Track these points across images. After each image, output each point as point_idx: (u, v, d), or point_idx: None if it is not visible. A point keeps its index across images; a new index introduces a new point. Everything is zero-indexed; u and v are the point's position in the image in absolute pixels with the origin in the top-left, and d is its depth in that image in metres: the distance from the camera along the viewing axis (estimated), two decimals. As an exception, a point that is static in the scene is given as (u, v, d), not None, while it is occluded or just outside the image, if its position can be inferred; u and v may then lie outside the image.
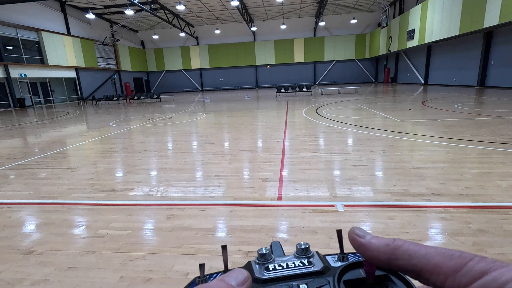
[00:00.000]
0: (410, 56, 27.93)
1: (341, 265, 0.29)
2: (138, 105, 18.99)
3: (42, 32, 23.42)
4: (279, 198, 3.17)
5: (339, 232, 0.32)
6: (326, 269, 0.28)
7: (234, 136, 6.84)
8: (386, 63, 33.88)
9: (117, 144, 6.63)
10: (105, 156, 5.53)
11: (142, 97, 23.19)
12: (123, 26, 33.72)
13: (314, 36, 36.65)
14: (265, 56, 37.65)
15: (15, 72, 21.29)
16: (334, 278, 0.26)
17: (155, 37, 36.57)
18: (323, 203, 3.00)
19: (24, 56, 22.32)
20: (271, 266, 0.29)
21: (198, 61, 38.79)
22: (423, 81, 25.68)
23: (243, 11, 27.92)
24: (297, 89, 21.05)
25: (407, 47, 24.80)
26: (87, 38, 28.61)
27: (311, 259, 0.30)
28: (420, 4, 22.22)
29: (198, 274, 0.30)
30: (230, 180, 3.82)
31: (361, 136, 6.00)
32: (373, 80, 37.50)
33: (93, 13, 26.75)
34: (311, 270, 0.28)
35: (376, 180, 3.60)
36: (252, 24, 34.19)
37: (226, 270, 0.30)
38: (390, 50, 28.71)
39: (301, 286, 0.25)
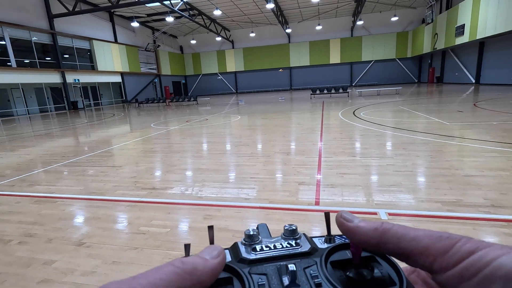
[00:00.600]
0: (458, 54, 25.76)
1: (328, 247, 0.29)
2: (176, 108, 19.83)
3: (94, 41, 25.57)
4: (317, 203, 3.06)
5: (326, 215, 0.31)
6: (314, 250, 0.29)
7: (268, 138, 6.81)
8: (430, 62, 31.62)
9: (157, 144, 6.96)
10: (147, 155, 5.81)
11: (180, 100, 24.19)
12: (164, 32, 35.55)
13: (351, 35, 35.45)
14: (299, 58, 37.26)
15: (70, 77, 23.47)
16: (321, 258, 0.27)
17: (193, 42, 38.02)
18: (364, 210, 2.83)
19: (77, 63, 24.53)
20: (258, 247, 0.29)
21: (233, 64, 39.56)
22: (474, 81, 23.52)
23: (278, 13, 27.93)
24: (333, 91, 20.48)
25: (456, 44, 22.92)
26: (132, 45, 30.62)
27: (298, 241, 0.30)
28: (472, -3, 20.40)
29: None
30: (265, 182, 3.79)
31: (404, 140, 5.62)
32: (416, 80, 35.23)
33: (137, 21, 28.58)
34: (298, 251, 0.29)
35: (423, 187, 3.33)
36: (287, 26, 34.04)
37: None
38: (436, 48, 26.76)
39: (289, 266, 0.25)
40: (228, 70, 39.97)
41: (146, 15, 28.91)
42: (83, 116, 17.23)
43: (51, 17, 21.48)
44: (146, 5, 24.07)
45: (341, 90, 20.26)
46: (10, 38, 19.34)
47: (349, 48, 35.65)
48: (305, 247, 0.29)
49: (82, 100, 25.62)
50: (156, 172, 4.65)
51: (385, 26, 34.16)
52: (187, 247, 0.29)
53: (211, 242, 0.29)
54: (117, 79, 28.93)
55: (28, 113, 21.67)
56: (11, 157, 6.47)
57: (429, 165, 4.08)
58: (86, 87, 26.29)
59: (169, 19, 24.75)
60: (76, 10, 20.21)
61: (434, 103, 11.95)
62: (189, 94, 41.19)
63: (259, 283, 0.25)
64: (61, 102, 23.75)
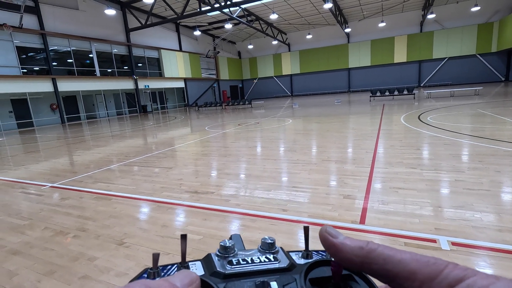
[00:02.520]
0: None
1: (307, 263, 0.28)
2: (232, 111, 20.51)
3: (162, 50, 28.16)
4: (362, 222, 2.72)
5: (306, 229, 0.30)
6: (292, 266, 0.28)
7: (318, 144, 6.47)
8: (523, 57, 26.65)
9: (208, 147, 7.20)
10: (196, 158, 6.04)
11: (236, 103, 24.97)
12: (223, 39, 37.28)
13: (420, 31, 32.05)
14: (359, 58, 35.17)
15: (141, 84, 26.24)
16: (301, 275, 0.26)
17: (250, 46, 39.01)
18: (421, 236, 2.40)
19: (148, 71, 27.30)
20: (234, 260, 0.28)
21: (288, 67, 39.36)
22: None
23: (337, 13, 26.83)
24: (396, 92, 18.74)
25: (560, 33, 18.84)
26: (194, 52, 32.84)
27: (276, 255, 0.29)
28: None
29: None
30: (307, 193, 3.54)
31: (482, 150, 4.73)
32: (503, 79, 30.08)
33: (199, 30, 30.56)
34: (277, 266, 0.27)
35: (504, 212, 2.70)
36: (346, 25, 32.48)
37: (184, 261, 0.28)
38: (531, 40, 22.42)
39: (271, 283, 0.24)
40: (283, 73, 39.91)
41: (207, 24, 30.70)
42: (151, 118, 19.01)
43: (128, 31, 24.34)
44: (208, 14, 25.57)
45: (406, 92, 18.42)
46: (96, 52, 22.50)
47: (417, 45, 32.29)
48: (284, 262, 0.28)
49: (151, 104, 28.39)
50: (201, 175, 4.76)
51: (462, 18, 30.04)
52: (155, 257, 0.27)
53: (183, 255, 0.27)
54: (181, 84, 31.30)
55: (108, 116, 24.86)
56: (86, 155, 7.40)
57: (513, 183, 3.32)
58: (154, 92, 29.06)
59: (228, 26, 25.81)
60: (148, 23, 22.51)
61: (527, 106, 9.97)
62: (245, 98, 42.35)
63: None
64: (134, 106, 26.67)
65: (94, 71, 22.45)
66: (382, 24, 30.97)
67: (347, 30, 32.17)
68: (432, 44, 31.70)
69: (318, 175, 4.26)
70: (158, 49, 27.98)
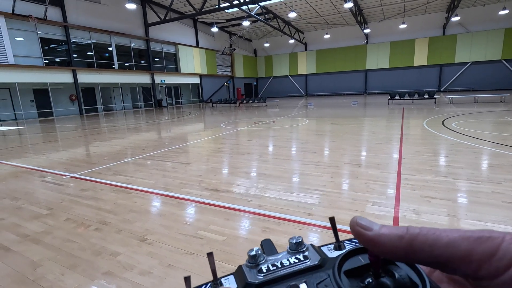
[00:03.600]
0: None
1: (338, 255, 0.27)
2: (246, 109, 20.43)
3: (179, 46, 28.35)
4: (395, 231, 2.56)
5: (332, 220, 0.29)
6: (324, 262, 0.27)
7: (337, 146, 6.29)
8: (553, 64, 25.43)
9: (225, 144, 7.14)
10: (214, 155, 5.98)
11: (250, 101, 24.89)
12: (240, 36, 37.23)
13: (443, 34, 31.05)
14: (377, 60, 34.43)
15: (157, 78, 26.51)
16: (333, 270, 0.25)
17: (267, 45, 38.82)
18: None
19: (164, 66, 27.56)
20: (264, 268, 0.27)
21: (304, 66, 38.96)
22: None
23: (357, 13, 26.29)
24: (416, 96, 18.19)
25: None
26: (211, 48, 32.92)
27: (306, 253, 0.28)
28: None
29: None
30: (332, 197, 3.41)
31: (517, 161, 4.46)
32: (529, 86, 28.80)
33: (217, 27, 30.58)
34: (307, 265, 0.27)
35: (551, 230, 2.48)
36: (366, 26, 31.80)
37: (216, 278, 0.29)
38: None
39: (300, 285, 0.23)
40: (299, 73, 39.54)
41: (225, 21, 30.69)
42: (166, 113, 19.16)
43: (147, 25, 24.61)
44: (226, 11, 25.52)
45: (426, 96, 17.85)
46: (115, 45, 22.85)
47: (439, 48, 31.32)
48: (314, 259, 0.27)
49: (166, 98, 28.67)
50: (220, 173, 4.69)
51: (489, 22, 28.90)
52: (187, 281, 0.27)
53: (213, 271, 0.28)
54: (196, 80, 31.46)
55: (124, 109, 25.26)
56: (104, 147, 7.47)
57: (558, 199, 3.08)
58: (170, 87, 29.32)
59: (246, 23, 25.71)
60: (166, 18, 22.68)
61: (559, 116, 9.43)
62: (259, 96, 42.21)
63: None
64: (149, 100, 27.00)
65: (113, 64, 22.80)
66: (403, 26, 30.16)
67: (366, 30, 31.51)
68: (455, 48, 30.68)
69: (342, 179, 4.10)
70: (175, 44, 28.18)
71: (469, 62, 30.51)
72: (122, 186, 4.15)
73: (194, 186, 4.03)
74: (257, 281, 0.25)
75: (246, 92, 41.13)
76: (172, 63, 28.60)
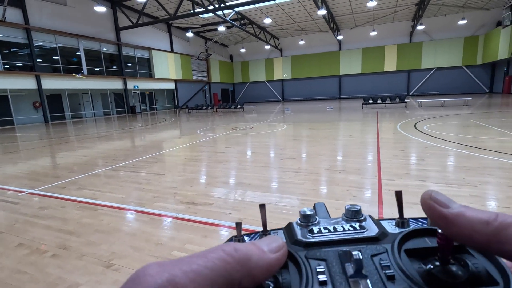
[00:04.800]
0: (546, 60, 22.00)
1: (401, 231, 0.25)
2: (223, 114, 20.16)
3: (152, 51, 27.57)
4: (381, 242, 2.46)
5: (398, 194, 0.27)
6: (383, 235, 0.25)
7: (316, 151, 6.24)
8: (507, 70, 27.58)
9: (201, 152, 6.86)
10: (190, 164, 5.69)
11: (227, 107, 24.65)
12: (215, 42, 36.99)
13: (410, 41, 32.79)
14: (350, 65, 35.61)
15: (130, 84, 25.54)
16: (393, 245, 0.23)
17: (242, 50, 38.88)
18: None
19: (137, 71, 26.64)
20: (315, 229, 0.27)
21: (280, 72, 39.41)
22: None
23: (330, 20, 27.06)
24: (388, 100, 18.91)
25: (543, 48, 19.57)
26: (186, 54, 32.36)
27: (363, 223, 0.27)
28: None
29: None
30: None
31: (488, 163, 4.61)
32: (487, 90, 31.05)
33: (192, 32, 30.14)
34: (363, 235, 0.25)
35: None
36: (338, 32, 32.84)
37: (265, 230, 0.29)
38: (515, 54, 23.22)
39: (353, 253, 0.21)
40: (275, 78, 39.93)
41: (200, 26, 30.35)
42: (139, 120, 18.42)
43: (118, 29, 23.70)
44: (201, 16, 25.25)
45: (397, 100, 18.60)
46: (84, 49, 21.74)
47: (407, 55, 33.00)
48: (372, 231, 0.26)
49: (140, 105, 27.68)
50: (197, 183, 4.43)
51: (450, 31, 30.93)
52: (238, 225, 0.27)
53: (263, 222, 0.28)
54: (171, 86, 30.71)
55: (94, 116, 24.02)
56: (70, 157, 6.91)
57: (532, 200, 3.16)
58: (143, 93, 28.36)
59: (221, 28, 25.57)
60: (139, 22, 21.98)
61: (517, 118, 10.10)
62: (236, 101, 42.06)
63: (318, 269, 0.22)
64: (122, 106, 25.91)
65: (81, 69, 21.66)
66: (373, 33, 31.50)
67: (339, 37, 32.54)
68: (421, 54, 32.46)
69: (324, 186, 4.01)
70: (149, 49, 27.40)
71: (434, 68, 32.38)
72: (88, 202, 3.77)
73: (168, 199, 3.75)
74: (307, 240, 0.25)
75: (223, 97, 40.82)
76: (145, 68, 27.73)
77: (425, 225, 0.25)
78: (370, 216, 0.27)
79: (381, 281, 0.20)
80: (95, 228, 3.00)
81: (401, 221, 0.26)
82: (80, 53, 21.50)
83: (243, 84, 42.46)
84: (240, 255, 0.18)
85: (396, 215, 0.29)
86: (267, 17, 24.56)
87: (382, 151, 5.84)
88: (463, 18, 27.39)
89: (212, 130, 11.30)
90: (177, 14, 20.64)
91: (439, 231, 0.21)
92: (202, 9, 19.99)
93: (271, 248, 0.20)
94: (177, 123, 15.25)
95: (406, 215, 0.27)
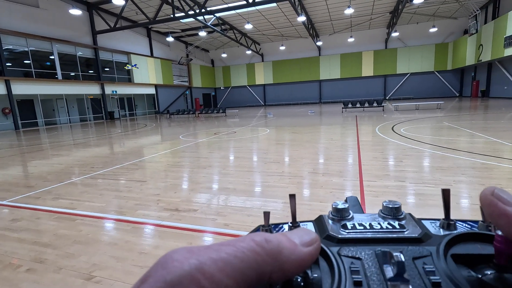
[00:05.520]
0: (508, 66, 23.61)
1: (448, 234, 0.23)
2: (205, 119, 20.00)
3: (131, 55, 26.97)
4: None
5: (446, 192, 0.25)
6: (426, 237, 0.23)
7: (299, 155, 6.32)
8: (474, 75, 29.37)
9: (184, 158, 6.75)
10: (173, 170, 5.58)
11: (209, 112, 24.49)
12: (196, 46, 36.79)
13: (385, 48, 34.17)
14: (330, 71, 36.55)
15: (108, 89, 24.80)
16: (438, 249, 0.21)
17: (224, 55, 38.91)
18: (429, 257, 2.25)
19: (116, 76, 25.93)
20: (349, 224, 0.25)
21: (262, 77, 39.75)
22: (527, 95, 21.30)
23: (309, 26, 27.70)
24: (366, 104, 19.52)
25: (504, 55, 21.02)
26: (166, 58, 31.93)
27: (402, 222, 0.25)
28: (524, 4, 18.71)
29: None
30: (300, 209, 3.31)
31: (461, 163, 4.86)
32: (457, 94, 32.87)
33: (172, 36, 29.83)
34: (404, 235, 0.23)
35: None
36: (318, 38, 33.68)
37: (294, 221, 0.27)
38: (481, 60, 24.79)
39: (394, 254, 0.19)
40: (257, 83, 40.21)
41: (180, 30, 30.10)
42: (118, 126, 17.89)
43: (94, 33, 23.02)
44: (181, 21, 25.05)
45: (375, 104, 19.25)
46: (58, 53, 20.91)
47: (383, 61, 34.34)
48: (413, 231, 0.23)
49: (119, 110, 26.92)
50: (181, 190, 4.35)
51: (422, 38, 32.56)
52: (266, 215, 0.25)
53: (293, 213, 0.27)
54: (151, 91, 30.13)
55: (70, 122, 23.08)
56: (44, 166, 6.59)
57: (501, 197, 3.35)
58: (122, 98, 27.62)
59: (202, 33, 25.48)
60: (117, 26, 21.47)
61: (485, 120, 10.74)
62: (218, 106, 41.88)
63: (352, 268, 0.20)
64: (100, 112, 25.07)
65: (56, 74, 20.80)
66: (351, 39, 32.53)
67: (319, 43, 33.36)
68: (396, 60, 33.88)
69: (307, 189, 4.06)
70: (127, 53, 26.79)
71: (408, 73, 33.88)
72: (64, 213, 3.60)
73: (151, 206, 3.65)
74: (340, 236, 0.23)
75: (204, 102, 40.52)
76: (124, 73, 27.05)
77: (475, 229, 0.23)
78: (410, 214, 0.25)
79: (425, 287, 0.18)
80: (73, 239, 2.87)
81: (447, 223, 0.24)
82: (54, 57, 20.67)
83: (225, 89, 42.42)
84: (272, 247, 0.17)
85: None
86: (248, 22, 24.78)
87: (363, 154, 6.01)
88: (433, 26, 28.96)
89: (195, 135, 11.17)
90: (157, 19, 20.36)
91: (499, 232, 0.18)
92: (182, 14, 19.87)
93: (303, 241, 0.18)
94: (158, 128, 14.95)
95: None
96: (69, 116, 23.00)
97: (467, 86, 31.25)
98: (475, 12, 23.07)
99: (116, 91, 25.56)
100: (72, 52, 22.07)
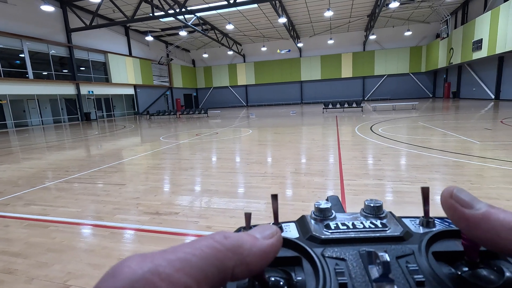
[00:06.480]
0: (476, 69, 25.03)
1: (428, 232, 0.23)
2: (187, 120, 19.71)
3: (109, 54, 26.10)
4: (346, 240, 2.57)
5: (425, 190, 0.24)
6: (407, 235, 0.23)
7: (282, 155, 6.37)
8: (446, 77, 30.89)
9: (165, 160, 6.61)
10: (153, 172, 5.45)
11: (191, 112, 24.16)
12: (177, 46, 36.20)
13: (364, 50, 35.20)
14: (311, 72, 37.14)
15: (84, 89, 23.85)
16: (420, 246, 0.21)
17: (205, 55, 38.53)
18: (406, 253, 2.32)
19: (92, 76, 24.99)
20: (332, 224, 0.25)
21: (244, 77, 39.74)
22: (493, 96, 22.66)
23: (290, 28, 28.02)
24: (346, 105, 20.01)
25: (473, 59, 22.26)
26: (146, 58, 31.17)
27: (384, 221, 0.25)
28: (490, 11, 19.92)
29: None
30: (283, 210, 3.33)
31: (435, 161, 5.08)
32: (431, 95, 34.42)
33: (151, 36, 29.18)
34: (387, 234, 0.23)
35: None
36: (299, 40, 34.13)
37: (276, 221, 0.27)
38: (452, 63, 26.11)
39: (380, 254, 0.19)
40: (239, 84, 40.15)
41: (160, 30, 29.50)
42: (95, 127, 17.25)
43: (69, 31, 22.06)
44: (161, 20, 24.56)
45: (354, 105, 19.77)
46: (29, 51, 19.86)
47: (361, 63, 35.35)
48: (395, 230, 0.24)
49: (95, 111, 25.95)
50: (161, 192, 4.25)
51: (398, 41, 33.83)
52: (247, 216, 0.25)
53: (275, 212, 0.26)
54: (130, 91, 29.30)
55: (42, 124, 21.98)
56: (14, 170, 6.22)
57: (472, 193, 3.53)
58: (99, 99, 26.67)
59: (183, 33, 25.11)
60: (93, 24, 20.70)
61: (456, 120, 11.32)
62: (199, 107, 41.42)
63: (337, 270, 0.20)
64: (75, 113, 24.07)
65: (26, 73, 19.74)
66: (330, 41, 33.24)
67: (300, 44, 33.81)
68: (373, 62, 34.98)
69: (289, 189, 4.09)
70: (105, 52, 25.90)
71: (385, 74, 35.07)
72: (36, 219, 3.42)
73: (130, 210, 3.54)
74: (323, 237, 0.23)
75: (186, 103, 39.93)
76: (101, 72, 26.12)
77: (453, 226, 0.23)
78: (391, 213, 0.25)
79: (409, 287, 0.18)
80: (46, 247, 2.73)
81: (427, 220, 0.24)
82: (24, 55, 19.61)
83: (207, 89, 42.03)
84: (232, 242, 0.17)
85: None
86: (229, 23, 24.69)
87: (343, 153, 6.15)
88: (408, 30, 30.16)
89: (176, 136, 10.98)
90: (135, 17, 19.82)
91: None
92: (162, 13, 19.47)
93: (264, 235, 0.18)
94: (138, 130, 14.56)
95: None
96: (41, 118, 21.90)
97: (440, 88, 32.80)
98: (446, 17, 24.27)
99: (92, 92, 24.64)
100: (45, 51, 21.04)
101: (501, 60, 21.39)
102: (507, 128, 8.54)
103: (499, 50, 18.79)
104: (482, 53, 20.89)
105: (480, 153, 5.53)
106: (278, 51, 30.73)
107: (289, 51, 29.63)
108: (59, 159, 7.27)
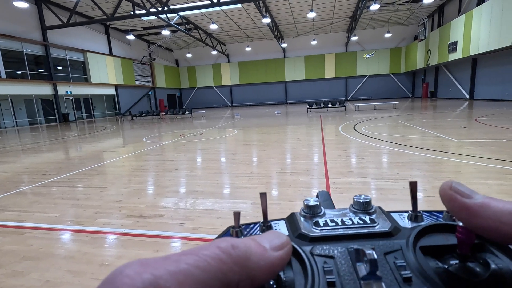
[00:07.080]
0: (452, 70, 26.11)
1: (416, 226, 0.23)
2: (170, 121, 19.38)
3: (88, 53, 25.25)
4: (333, 238, 2.60)
5: (413, 185, 0.25)
6: (396, 230, 0.23)
7: (268, 155, 6.38)
8: (424, 77, 32.03)
9: (148, 161, 6.46)
10: (136, 174, 5.31)
11: (175, 113, 23.78)
12: (160, 46, 35.53)
13: (346, 51, 35.92)
14: (295, 72, 37.49)
15: (62, 89, 22.95)
16: (408, 242, 0.21)
17: (189, 55, 38.06)
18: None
19: (70, 75, 24.09)
20: (321, 221, 0.24)
21: (228, 77, 39.57)
22: (468, 96, 23.71)
23: (274, 28, 28.15)
24: (330, 105, 20.33)
25: (449, 60, 23.21)
26: (127, 57, 30.40)
27: (373, 216, 0.25)
28: (463, 15, 20.83)
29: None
30: (269, 210, 3.32)
31: (416, 159, 5.24)
32: (410, 95, 35.58)
33: (133, 35, 28.50)
34: (375, 230, 0.23)
35: (452, 217, 2.89)
36: (282, 41, 34.36)
37: (266, 220, 0.26)
38: (429, 64, 27.11)
39: (367, 252, 0.19)
40: (223, 84, 39.94)
41: (142, 29, 28.86)
42: (74, 128, 16.62)
43: (44, 28, 21.17)
44: (142, 18, 24.02)
45: (338, 105, 20.12)
46: (1, 49, 18.88)
47: (344, 63, 36.05)
48: (384, 225, 0.24)
49: (74, 112, 25.04)
50: (145, 195, 4.14)
51: (379, 42, 34.74)
52: (236, 215, 0.24)
53: (264, 211, 0.26)
54: (111, 91, 28.48)
55: (17, 125, 20.97)
56: (-14, 175, 5.88)
57: (450, 189, 3.67)
58: (78, 99, 25.75)
59: (165, 32, 24.70)
60: (70, 22, 19.96)
61: (434, 118, 11.75)
62: (183, 107, 40.85)
63: (325, 268, 0.20)
64: (52, 114, 23.12)
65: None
66: (314, 42, 33.68)
67: (284, 45, 34.05)
68: (355, 63, 35.76)
69: (276, 189, 4.09)
70: (83, 51, 25.03)
71: (367, 75, 35.94)
72: (11, 226, 3.24)
73: (112, 214, 3.43)
74: (312, 234, 0.23)
75: (169, 103, 39.28)
76: (80, 72, 25.23)
77: (441, 220, 0.23)
78: (380, 208, 0.25)
79: (397, 283, 0.18)
80: (22, 255, 2.58)
81: (415, 215, 0.24)
82: (-4, 53, 18.63)
83: (191, 89, 41.53)
84: (239, 254, 0.16)
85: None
86: (213, 22, 24.50)
87: (328, 152, 6.23)
88: (388, 32, 31.05)
89: (159, 137, 10.76)
90: (116, 15, 19.29)
91: (460, 224, 0.19)
92: (144, 11, 19.05)
93: (273, 245, 0.17)
94: (120, 131, 14.16)
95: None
96: (15, 119, 20.88)
97: (418, 88, 33.97)
98: (424, 20, 25.18)
99: (71, 92, 23.76)
100: (18, 49, 20.07)
101: (474, 61, 22.41)
102: (481, 126, 8.95)
103: (472, 52, 19.69)
104: (457, 55, 21.82)
105: (457, 150, 5.75)
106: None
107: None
108: (35, 162, 6.94)
